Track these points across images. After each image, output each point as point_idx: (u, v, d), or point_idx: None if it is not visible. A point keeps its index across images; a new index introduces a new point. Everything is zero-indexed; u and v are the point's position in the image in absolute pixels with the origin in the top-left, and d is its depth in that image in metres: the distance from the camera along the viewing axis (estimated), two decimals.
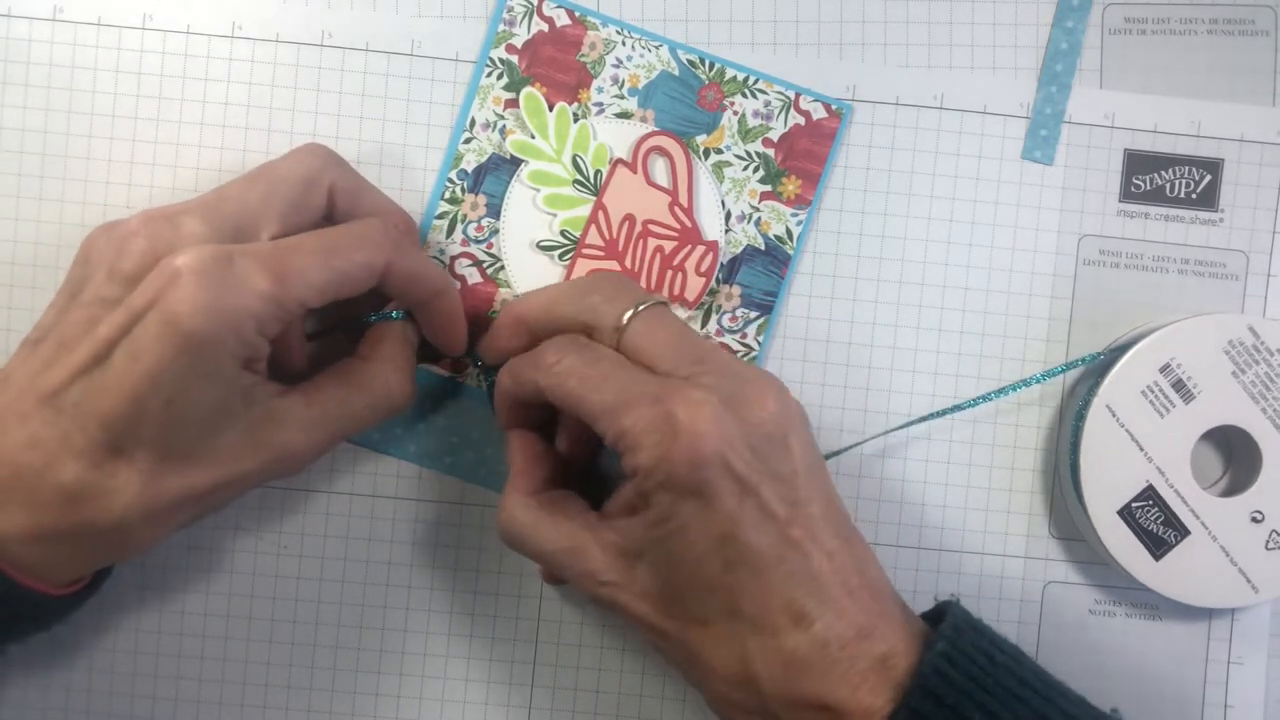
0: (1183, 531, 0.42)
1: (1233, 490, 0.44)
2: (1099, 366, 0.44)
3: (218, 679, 0.45)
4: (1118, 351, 0.43)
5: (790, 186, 0.44)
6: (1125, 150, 0.45)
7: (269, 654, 0.45)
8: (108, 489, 0.35)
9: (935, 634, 0.35)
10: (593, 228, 0.44)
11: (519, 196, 0.44)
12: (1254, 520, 0.43)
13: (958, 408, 0.44)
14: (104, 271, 0.36)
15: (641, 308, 0.38)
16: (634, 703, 0.45)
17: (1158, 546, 0.42)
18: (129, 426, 0.34)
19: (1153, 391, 0.42)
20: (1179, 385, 0.42)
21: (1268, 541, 0.42)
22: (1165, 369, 0.42)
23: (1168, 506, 0.42)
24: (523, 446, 0.41)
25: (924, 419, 0.44)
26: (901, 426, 0.45)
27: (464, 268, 0.44)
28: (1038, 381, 0.44)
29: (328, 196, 0.39)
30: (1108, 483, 0.42)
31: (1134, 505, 0.42)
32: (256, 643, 0.45)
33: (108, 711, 0.44)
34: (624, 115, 0.44)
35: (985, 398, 0.44)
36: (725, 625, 0.35)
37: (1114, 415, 0.42)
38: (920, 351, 0.45)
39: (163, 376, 0.34)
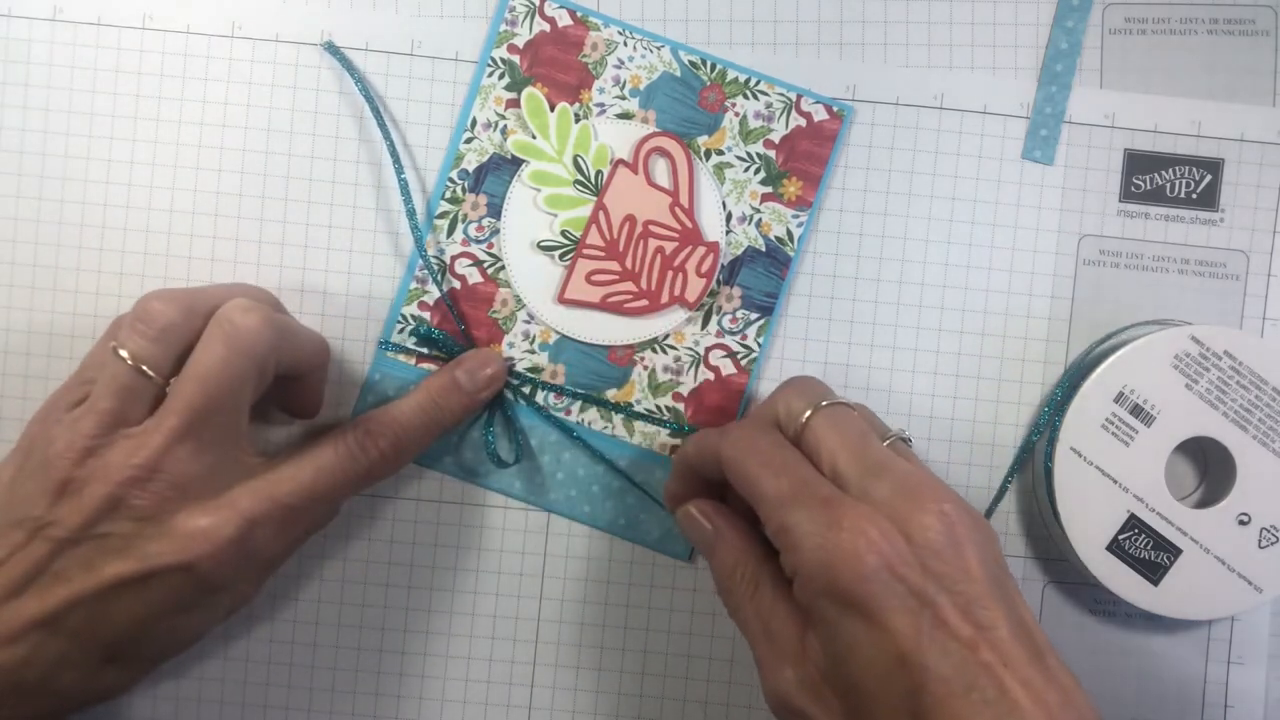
0: (1175, 551, 0.43)
1: (1212, 497, 0.44)
2: (1056, 406, 0.44)
3: (219, 678, 0.45)
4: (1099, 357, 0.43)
5: (791, 188, 0.44)
6: (1125, 150, 0.45)
7: (270, 653, 0.45)
8: (94, 688, 0.38)
9: None
10: (593, 228, 0.44)
11: (520, 196, 0.44)
12: (1241, 523, 0.43)
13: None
14: (74, 511, 0.36)
15: (824, 404, 0.37)
16: (634, 703, 0.45)
17: (1153, 572, 0.42)
18: (130, 647, 0.38)
19: (1113, 423, 0.42)
20: (1137, 410, 0.42)
21: (1260, 540, 0.43)
22: (1120, 398, 0.42)
23: (1154, 531, 0.42)
24: (718, 510, 0.39)
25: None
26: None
27: (464, 267, 0.44)
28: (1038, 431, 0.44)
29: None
30: (1091, 522, 0.42)
31: (1121, 538, 0.42)
32: (258, 642, 0.45)
33: (107, 709, 0.44)
34: (625, 116, 0.44)
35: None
36: None
37: (1080, 456, 0.42)
38: (920, 351, 0.45)
39: (169, 610, 0.37)
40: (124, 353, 0.37)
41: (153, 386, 0.37)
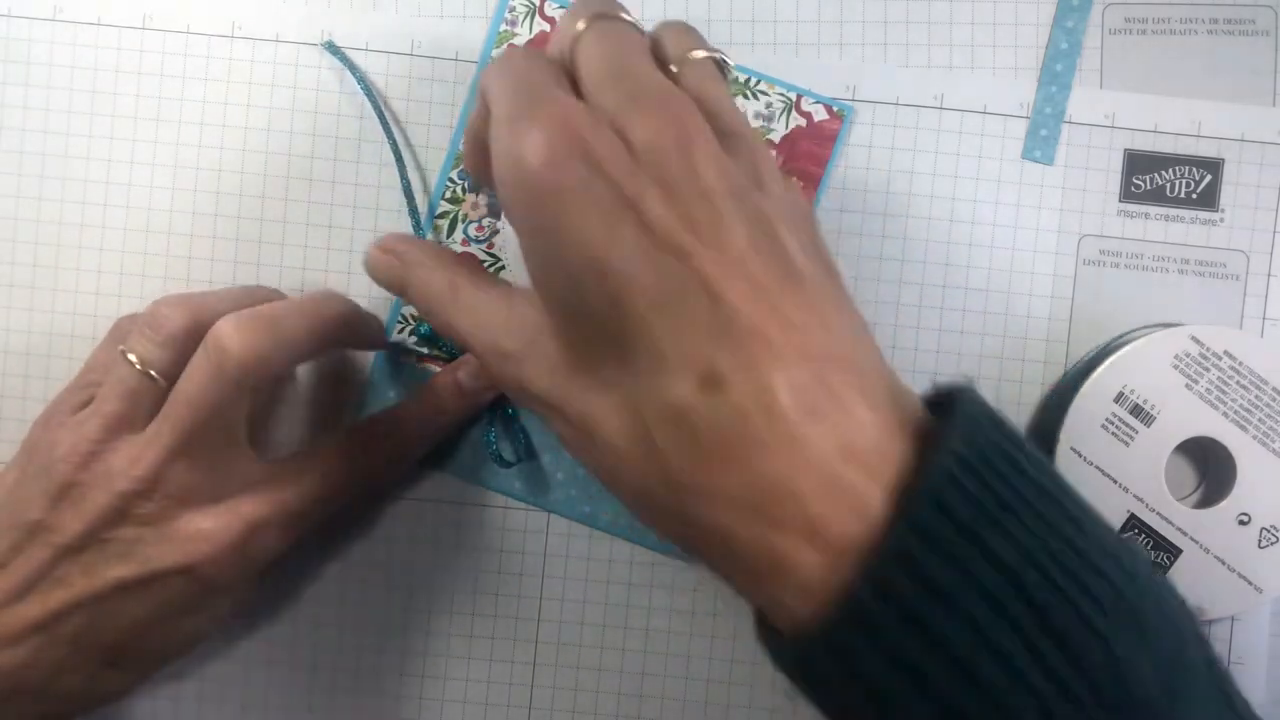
0: (1175, 551, 0.43)
1: (1212, 497, 0.44)
2: (1056, 406, 0.44)
3: (219, 678, 0.45)
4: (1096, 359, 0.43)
5: None
6: (1125, 150, 0.45)
7: (269, 653, 0.45)
8: (96, 691, 0.38)
9: (939, 428, 0.26)
10: None
11: None
12: (1240, 523, 0.43)
13: None
14: (76, 517, 0.36)
15: (599, 19, 0.29)
16: (634, 702, 0.45)
17: None
18: (132, 650, 0.38)
19: (1113, 423, 0.42)
20: (1137, 410, 0.42)
21: (1260, 540, 0.43)
22: (1120, 398, 0.42)
23: (1154, 531, 0.42)
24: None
25: None
26: None
27: None
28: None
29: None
30: None
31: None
32: (258, 642, 0.45)
33: (104, 709, 0.44)
34: None
35: None
36: (620, 378, 0.27)
37: (1080, 456, 0.42)
38: (920, 351, 0.45)
39: (170, 613, 0.37)
40: (132, 356, 0.37)
41: (158, 391, 0.37)
